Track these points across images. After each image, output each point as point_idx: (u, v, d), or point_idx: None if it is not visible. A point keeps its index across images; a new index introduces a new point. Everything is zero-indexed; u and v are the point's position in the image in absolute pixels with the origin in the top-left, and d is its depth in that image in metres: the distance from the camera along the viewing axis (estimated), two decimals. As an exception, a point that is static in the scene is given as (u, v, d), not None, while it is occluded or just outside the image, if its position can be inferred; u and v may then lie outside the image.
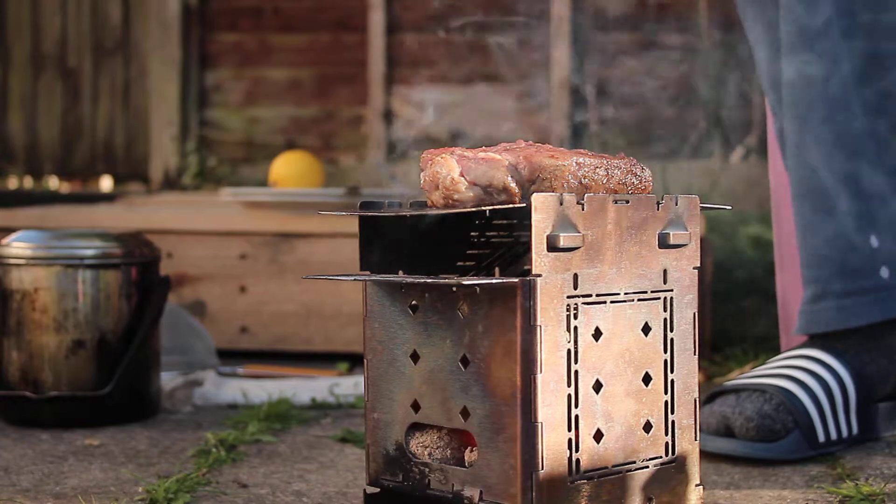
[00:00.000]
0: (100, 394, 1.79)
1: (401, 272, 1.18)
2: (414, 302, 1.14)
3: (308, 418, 1.85)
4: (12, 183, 5.01)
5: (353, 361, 2.30)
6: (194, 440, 1.70)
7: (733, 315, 2.60)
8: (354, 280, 1.15)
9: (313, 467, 1.55)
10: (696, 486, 1.17)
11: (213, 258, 2.47)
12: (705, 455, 1.54)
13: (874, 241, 1.67)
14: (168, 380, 2.00)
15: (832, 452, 1.60)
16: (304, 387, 2.01)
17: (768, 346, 2.34)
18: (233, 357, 2.34)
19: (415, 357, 1.14)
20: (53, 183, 4.98)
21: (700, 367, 1.17)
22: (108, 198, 3.42)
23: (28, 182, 5.00)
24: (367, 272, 1.18)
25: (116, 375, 1.79)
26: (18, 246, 1.81)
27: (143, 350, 1.82)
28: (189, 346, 2.13)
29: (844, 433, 1.61)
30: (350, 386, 2.01)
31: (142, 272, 1.85)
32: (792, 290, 1.83)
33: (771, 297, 1.99)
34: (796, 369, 1.63)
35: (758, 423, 1.57)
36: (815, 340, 1.69)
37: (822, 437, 1.58)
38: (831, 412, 1.60)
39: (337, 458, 1.60)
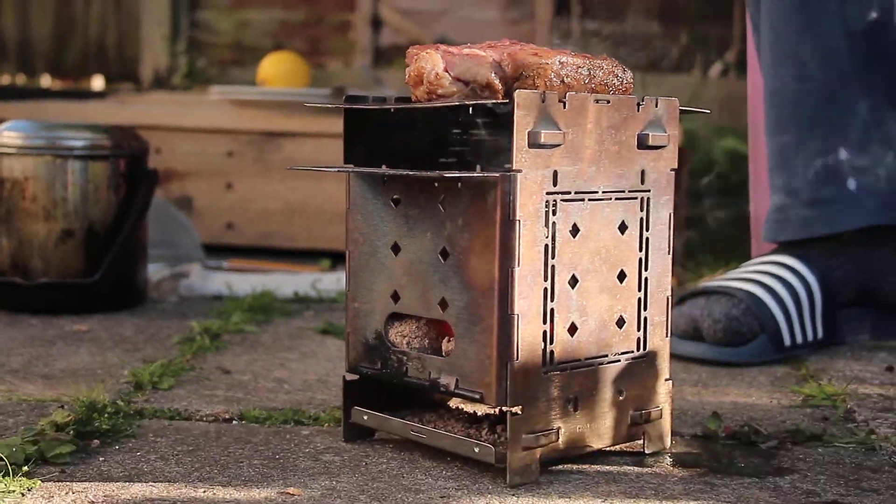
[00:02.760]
0: (88, 282, 1.82)
1: (384, 166, 1.20)
2: (396, 195, 1.16)
3: (290, 311, 1.89)
4: (5, 79, 4.99)
5: (336, 259, 2.33)
6: (179, 328, 1.74)
7: (707, 224, 2.64)
8: (338, 171, 1.17)
9: (294, 356, 1.59)
10: (666, 380, 1.21)
11: (200, 155, 2.49)
12: (674, 357, 1.58)
13: (843, 153, 1.70)
14: (155, 271, 2.03)
15: (798, 355, 1.65)
16: (288, 281, 2.04)
17: (739, 253, 2.38)
18: (218, 252, 2.38)
19: (395, 249, 1.17)
20: (46, 81, 4.97)
21: (672, 273, 1.20)
22: (99, 95, 3.42)
23: (20, 79, 4.98)
24: (351, 165, 1.20)
25: (104, 264, 1.82)
26: (9, 135, 1.83)
27: (131, 241, 1.85)
28: (176, 240, 2.16)
29: (810, 337, 1.66)
30: (332, 281, 2.05)
31: (130, 164, 1.88)
32: (763, 199, 1.87)
33: (744, 208, 2.02)
34: (765, 275, 1.67)
35: (725, 325, 1.61)
36: (784, 247, 1.73)
37: (787, 341, 1.63)
38: (797, 316, 1.64)
39: (318, 349, 1.64)
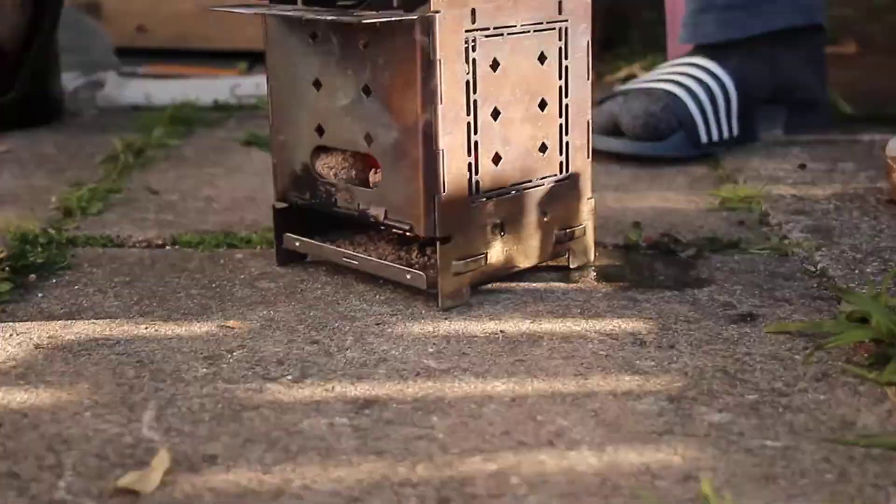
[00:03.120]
0: (2, 100, 1.81)
1: (300, 2, 1.19)
2: (315, 31, 1.17)
3: (212, 120, 1.89)
4: None
5: (253, 60, 2.32)
6: (101, 144, 1.74)
7: (625, 18, 2.64)
8: (255, 13, 1.17)
9: (220, 171, 1.60)
10: (588, 198, 1.24)
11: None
12: (595, 153, 1.60)
13: None
14: (70, 80, 2.01)
15: (714, 152, 1.69)
16: (206, 87, 2.03)
17: (655, 46, 2.39)
18: (131, 55, 2.35)
19: (317, 84, 1.18)
20: None
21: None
22: None
23: None
24: (267, 3, 1.19)
25: (18, 81, 1.81)
26: None
27: (43, 56, 1.83)
28: (88, 46, 2.13)
29: (726, 134, 1.70)
30: (251, 86, 2.04)
31: (36, -21, 1.85)
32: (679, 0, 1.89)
33: (662, 6, 2.04)
34: (682, 75, 1.70)
35: (644, 121, 1.65)
36: (700, 49, 1.76)
37: (704, 138, 1.67)
38: (713, 115, 1.68)
39: (243, 162, 1.65)
